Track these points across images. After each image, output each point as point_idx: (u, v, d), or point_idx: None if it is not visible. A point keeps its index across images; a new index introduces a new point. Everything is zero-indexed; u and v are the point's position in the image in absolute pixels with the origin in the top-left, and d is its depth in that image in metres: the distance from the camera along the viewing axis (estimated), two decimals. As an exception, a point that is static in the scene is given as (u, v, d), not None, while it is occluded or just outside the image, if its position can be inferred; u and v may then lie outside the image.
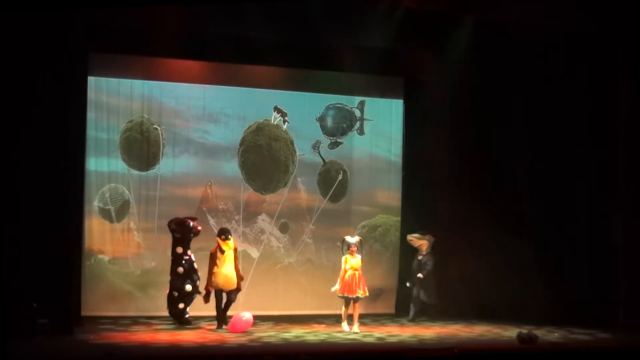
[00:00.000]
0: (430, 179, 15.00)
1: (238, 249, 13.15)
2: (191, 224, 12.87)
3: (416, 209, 15.07)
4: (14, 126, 11.13)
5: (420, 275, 13.89)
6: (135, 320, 13.25)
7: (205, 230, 13.31)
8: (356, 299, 12.63)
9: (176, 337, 11.64)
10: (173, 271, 12.70)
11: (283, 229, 15.07)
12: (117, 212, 14.12)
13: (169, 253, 12.93)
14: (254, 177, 14.89)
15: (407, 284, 14.27)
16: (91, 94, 13.65)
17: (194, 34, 13.32)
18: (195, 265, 12.76)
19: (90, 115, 13.68)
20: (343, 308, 12.73)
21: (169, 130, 14.42)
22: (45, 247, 11.44)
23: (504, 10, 13.31)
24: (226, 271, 12.49)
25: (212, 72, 14.68)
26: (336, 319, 13.10)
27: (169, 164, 14.42)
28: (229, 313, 12.64)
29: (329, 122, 15.45)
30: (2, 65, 10.78)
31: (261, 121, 14.97)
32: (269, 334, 12.17)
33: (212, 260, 12.54)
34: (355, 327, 12.60)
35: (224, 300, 12.62)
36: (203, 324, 12.82)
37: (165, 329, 12.47)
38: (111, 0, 11.55)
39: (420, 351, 10.77)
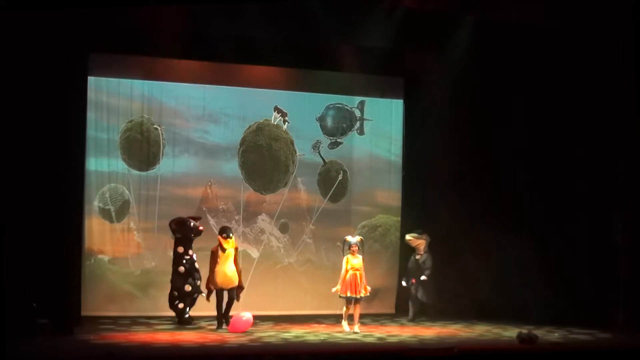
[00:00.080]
0: (430, 179, 15.02)
1: (238, 249, 13.13)
2: (192, 223, 12.89)
3: (416, 209, 15.09)
4: (14, 126, 11.15)
5: (423, 277, 13.88)
6: (135, 320, 13.26)
7: (205, 230, 13.30)
8: (358, 299, 12.64)
9: (176, 337, 11.64)
10: (174, 271, 12.75)
11: (283, 229, 15.07)
12: (117, 212, 14.12)
13: (169, 253, 12.98)
14: (254, 177, 14.89)
15: (403, 284, 14.28)
16: (91, 94, 13.66)
17: (194, 34, 13.31)
18: (197, 264, 12.78)
19: (90, 115, 13.69)
20: (344, 308, 12.73)
21: (169, 130, 14.42)
22: (45, 247, 11.45)
23: (504, 10, 13.31)
24: (226, 270, 12.48)
25: (212, 72, 14.67)
26: (336, 319, 13.09)
27: (169, 164, 14.42)
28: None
29: (329, 122, 15.45)
30: (2, 65, 10.77)
31: (261, 121, 14.98)
32: (269, 334, 12.17)
33: (213, 259, 12.53)
34: (356, 327, 12.59)
35: (225, 299, 12.62)
36: (203, 323, 12.82)
37: (165, 329, 12.47)
38: (111, 0, 11.55)
39: (420, 351, 10.77)
